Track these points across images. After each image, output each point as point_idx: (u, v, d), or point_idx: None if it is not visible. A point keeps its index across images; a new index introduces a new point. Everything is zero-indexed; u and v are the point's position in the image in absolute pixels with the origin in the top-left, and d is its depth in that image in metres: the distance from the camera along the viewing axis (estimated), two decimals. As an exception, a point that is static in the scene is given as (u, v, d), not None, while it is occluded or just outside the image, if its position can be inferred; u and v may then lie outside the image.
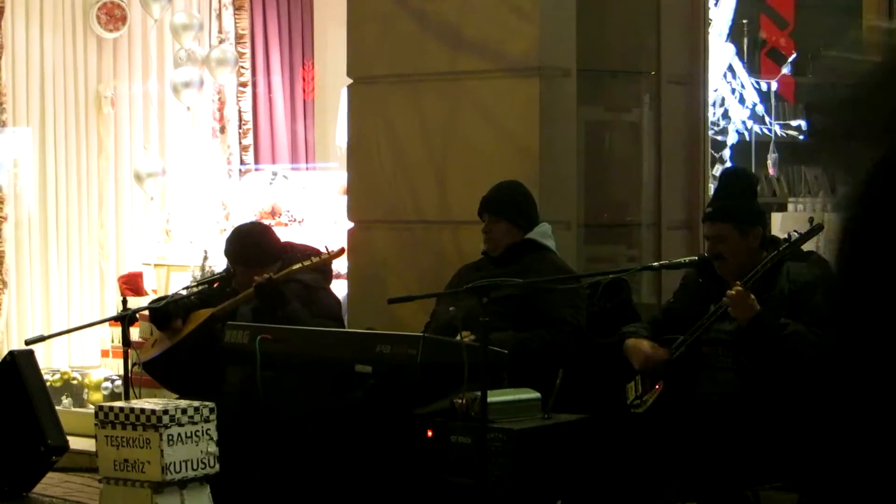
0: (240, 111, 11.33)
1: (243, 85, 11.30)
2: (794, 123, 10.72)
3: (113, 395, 9.16)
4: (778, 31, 11.17)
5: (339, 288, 8.22)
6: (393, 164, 7.92)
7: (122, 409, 6.16)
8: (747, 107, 10.18)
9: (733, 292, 5.78)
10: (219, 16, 11.19)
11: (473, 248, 7.16)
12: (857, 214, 1.66)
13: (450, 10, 7.70)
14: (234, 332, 6.72)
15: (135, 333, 8.48)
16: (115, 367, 9.36)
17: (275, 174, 10.40)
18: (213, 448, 6.19)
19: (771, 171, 10.49)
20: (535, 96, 7.40)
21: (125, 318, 7.11)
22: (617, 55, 7.81)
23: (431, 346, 6.12)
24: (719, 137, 9.85)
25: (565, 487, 6.12)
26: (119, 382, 8.85)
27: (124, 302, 7.45)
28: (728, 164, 9.67)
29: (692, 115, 7.90)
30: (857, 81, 1.75)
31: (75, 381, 9.56)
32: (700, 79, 7.90)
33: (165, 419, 6.05)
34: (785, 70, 10.68)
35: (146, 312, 7.54)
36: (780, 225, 9.22)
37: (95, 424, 6.24)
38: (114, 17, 10.81)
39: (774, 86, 10.48)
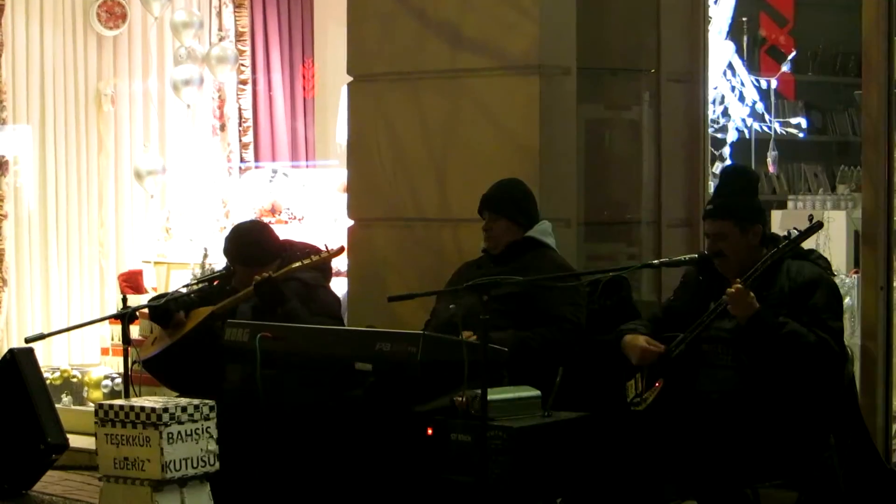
0: (240, 109, 11.33)
1: (243, 83, 11.30)
2: (793, 121, 10.73)
3: (113, 393, 9.16)
4: (777, 29, 11.18)
5: (340, 286, 8.22)
6: (393, 162, 7.92)
7: (122, 407, 6.16)
8: (747, 104, 10.18)
9: (733, 290, 5.78)
10: (219, 13, 11.19)
11: (473, 246, 7.16)
12: None
13: (450, 8, 7.70)
14: (234, 330, 6.72)
15: (135, 331, 8.50)
16: (115, 365, 9.37)
17: (275, 172, 10.40)
18: (213, 446, 6.19)
19: (771, 168, 10.50)
20: (535, 94, 7.40)
21: (125, 316, 7.11)
22: (617, 53, 7.81)
23: (431, 344, 6.11)
24: (719, 135, 9.85)
25: (565, 485, 6.12)
26: (119, 380, 8.86)
27: (124, 300, 7.44)
28: (728, 162, 9.67)
29: (692, 113, 7.89)
30: None
31: (75, 379, 9.56)
32: (700, 77, 7.90)
33: (165, 417, 6.04)
34: (784, 68, 10.68)
35: (146, 310, 7.53)
36: (779, 223, 9.22)
37: (95, 422, 6.23)
38: (114, 14, 10.81)
39: (774, 83, 10.49)
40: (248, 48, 11.30)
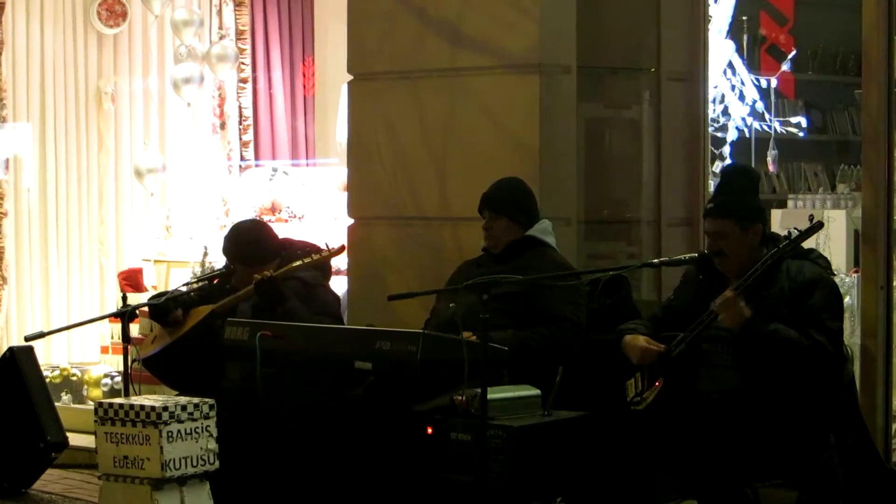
0: (240, 107, 11.33)
1: (243, 81, 11.30)
2: (793, 120, 10.73)
3: (112, 392, 9.16)
4: (777, 28, 11.18)
5: (339, 284, 8.22)
6: (393, 161, 7.92)
7: (121, 405, 6.16)
8: (747, 103, 10.18)
9: (722, 299, 5.78)
10: (219, 12, 11.18)
11: (473, 245, 7.16)
12: None
13: (450, 7, 7.70)
14: (233, 329, 6.72)
15: (134, 330, 8.49)
16: (115, 363, 9.37)
17: (275, 170, 10.40)
18: (212, 445, 6.19)
19: (771, 167, 10.49)
20: (535, 93, 7.40)
21: (125, 315, 7.11)
22: (617, 52, 7.81)
23: (431, 343, 6.11)
24: (719, 134, 9.85)
25: (565, 484, 6.12)
26: (119, 379, 8.86)
27: (124, 298, 7.44)
28: (728, 161, 9.66)
29: (692, 112, 7.89)
30: None
31: (75, 378, 9.56)
32: (700, 76, 7.90)
33: (165, 416, 6.04)
34: (784, 67, 10.68)
35: (146, 309, 7.53)
36: (779, 222, 9.22)
37: (95, 421, 6.23)
38: (114, 12, 10.81)
39: (774, 82, 10.48)
40: (248, 46, 11.30)
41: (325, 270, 7.42)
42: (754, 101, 10.24)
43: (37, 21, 10.53)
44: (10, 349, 7.95)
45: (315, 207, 9.99)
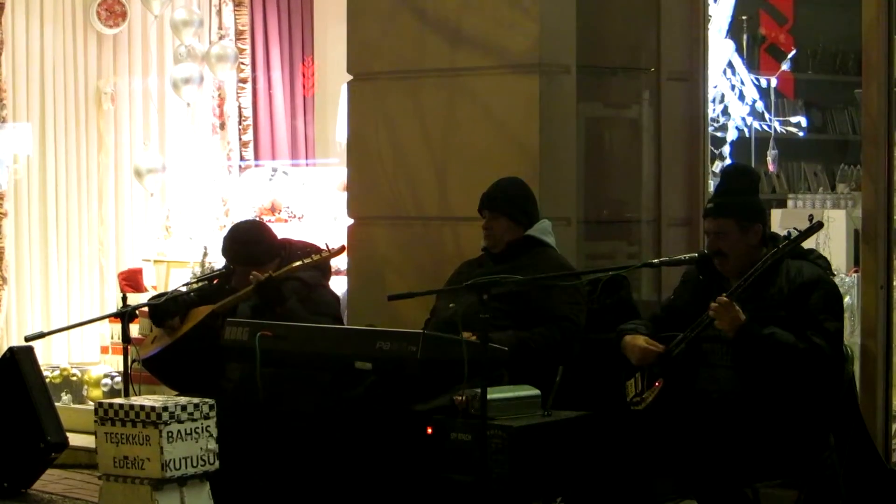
0: (240, 107, 11.32)
1: (243, 81, 11.29)
2: (793, 120, 10.72)
3: (112, 392, 9.15)
4: (777, 28, 11.17)
5: (339, 284, 8.22)
6: (393, 161, 7.92)
7: (121, 405, 6.16)
8: (747, 103, 10.17)
9: (716, 304, 5.78)
10: (219, 12, 11.18)
11: (473, 245, 7.16)
12: None
13: (450, 7, 7.70)
14: (233, 329, 6.72)
15: (134, 330, 8.49)
16: (115, 363, 9.37)
17: (275, 170, 10.40)
18: (212, 445, 6.19)
19: (770, 167, 10.48)
20: (534, 93, 7.40)
21: (125, 315, 7.11)
22: (617, 52, 7.81)
23: (431, 343, 6.11)
24: (719, 134, 9.83)
25: (565, 484, 6.12)
26: (119, 379, 8.85)
27: (124, 298, 7.44)
28: (728, 161, 9.65)
29: (692, 112, 7.89)
30: None
31: (75, 378, 9.56)
32: (700, 75, 7.90)
33: (165, 416, 6.05)
34: (784, 66, 10.67)
35: (146, 309, 7.53)
36: (779, 222, 9.21)
37: (95, 421, 6.24)
38: (114, 13, 10.80)
39: (774, 82, 10.47)
40: (248, 46, 11.29)
41: (324, 271, 7.42)
42: (754, 101, 10.23)
43: (36, 21, 10.52)
44: (11, 349, 7.95)
45: (315, 207, 9.99)
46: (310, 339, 6.52)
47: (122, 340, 7.12)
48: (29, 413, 7.66)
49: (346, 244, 7.73)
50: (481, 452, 5.79)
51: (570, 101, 7.53)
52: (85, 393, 9.46)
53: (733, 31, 9.96)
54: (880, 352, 6.88)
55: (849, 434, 5.95)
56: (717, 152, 9.58)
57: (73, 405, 9.31)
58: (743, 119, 10.15)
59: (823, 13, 11.31)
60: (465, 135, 7.64)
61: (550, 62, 7.44)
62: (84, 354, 10.47)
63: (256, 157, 11.28)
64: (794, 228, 5.97)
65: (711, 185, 7.90)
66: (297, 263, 7.17)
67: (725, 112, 10.01)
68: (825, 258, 6.13)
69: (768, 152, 10.38)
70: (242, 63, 11.20)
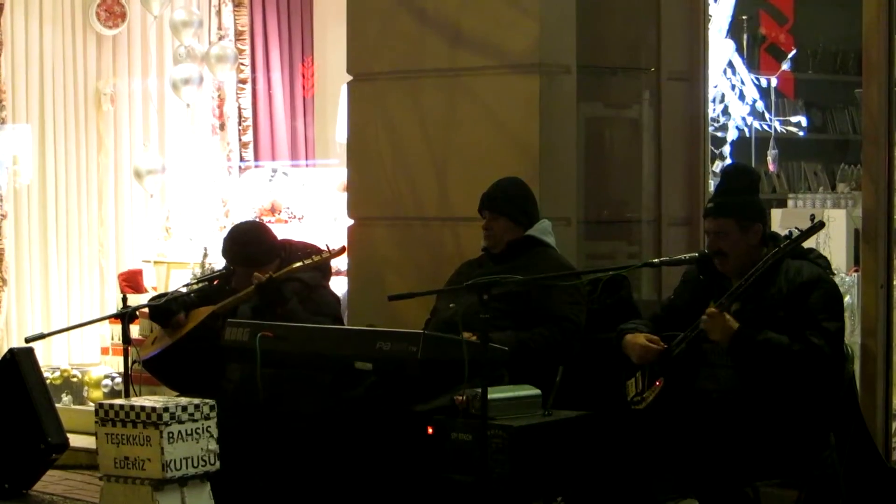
0: (239, 108, 11.32)
1: (243, 82, 11.29)
2: (793, 120, 10.72)
3: (113, 393, 9.16)
4: (777, 28, 11.16)
5: (339, 285, 8.22)
6: (393, 161, 7.91)
7: (122, 406, 6.16)
8: (747, 103, 10.17)
9: (707, 316, 5.78)
10: (218, 12, 11.18)
11: (473, 245, 7.16)
12: None
13: (450, 7, 7.70)
14: (234, 330, 6.72)
15: (135, 331, 8.50)
16: (115, 364, 9.37)
17: (274, 171, 10.40)
18: (213, 445, 6.19)
19: (771, 167, 10.48)
20: (534, 93, 7.40)
21: (125, 316, 7.11)
22: (617, 52, 7.81)
23: (432, 343, 6.11)
24: (719, 134, 9.84)
25: (566, 484, 6.12)
26: (119, 380, 8.86)
27: (124, 299, 7.44)
28: (728, 161, 9.66)
29: (692, 112, 7.89)
30: None
31: (75, 379, 9.56)
32: (700, 75, 7.90)
33: (166, 416, 6.04)
34: (784, 66, 10.67)
35: (146, 310, 7.54)
36: (779, 221, 9.21)
37: (96, 422, 6.23)
38: (113, 13, 10.80)
39: (774, 82, 10.47)
40: (247, 47, 11.29)
41: (325, 271, 7.42)
42: (754, 101, 10.23)
43: (36, 22, 10.52)
44: (11, 350, 7.95)
45: (315, 208, 9.99)
46: (310, 339, 6.53)
47: (123, 341, 7.12)
48: (29, 414, 7.66)
49: (346, 245, 7.73)
50: (482, 452, 5.79)
51: (571, 100, 7.53)
52: (85, 394, 9.47)
53: (733, 31, 9.97)
54: (880, 351, 6.88)
55: (849, 433, 5.94)
56: (717, 152, 9.58)
57: (73, 406, 9.31)
58: (743, 119, 10.15)
59: (824, 13, 11.31)
60: (465, 135, 7.64)
61: (550, 62, 7.44)
62: (84, 355, 10.47)
63: (256, 158, 11.28)
64: (796, 228, 5.97)
65: (712, 184, 7.90)
66: (298, 264, 7.18)
67: (726, 112, 10.01)
68: (825, 258, 6.12)
69: (768, 152, 10.38)
70: (242, 64, 11.20)
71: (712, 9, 9.11)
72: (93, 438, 6.39)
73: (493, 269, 6.66)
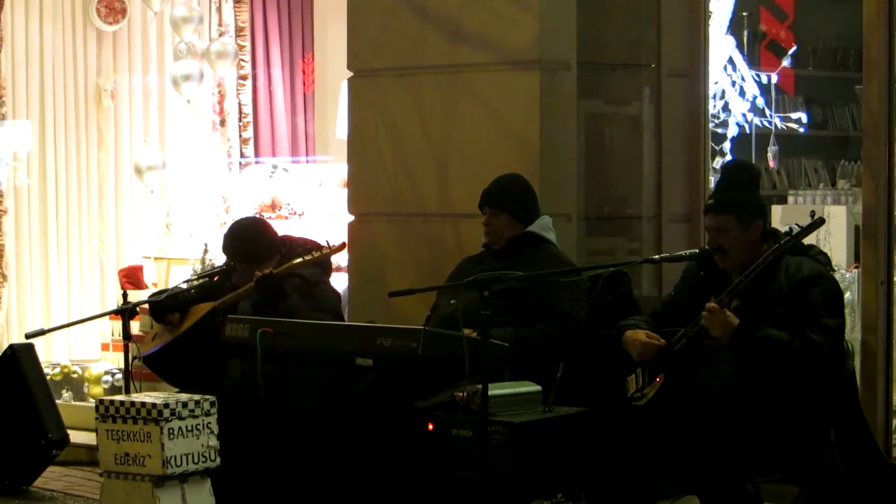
0: (240, 104, 11.32)
1: (243, 78, 11.29)
2: (794, 116, 10.72)
3: (113, 389, 9.16)
4: (778, 24, 11.16)
5: (340, 281, 8.22)
6: (393, 157, 7.92)
7: (122, 402, 6.16)
8: (747, 99, 10.16)
9: (707, 312, 5.78)
10: (219, 8, 11.17)
11: (474, 241, 7.16)
12: None
13: (450, 3, 7.70)
14: (234, 326, 6.72)
15: (135, 327, 8.48)
16: (116, 360, 9.37)
17: (275, 167, 10.40)
18: (213, 442, 6.19)
19: (771, 163, 10.48)
20: (535, 89, 7.40)
21: (125, 312, 7.10)
22: (617, 48, 7.81)
23: (432, 339, 6.12)
24: (719, 130, 9.83)
25: (566, 480, 6.12)
26: (119, 376, 8.86)
27: (124, 295, 7.45)
28: (728, 157, 9.65)
29: (692, 108, 7.89)
30: None
31: (75, 375, 9.56)
32: (700, 72, 7.90)
33: (166, 413, 6.05)
34: (785, 63, 10.66)
35: (146, 306, 7.53)
36: (780, 218, 9.21)
37: (96, 418, 6.24)
38: (113, 9, 10.80)
39: (775, 78, 10.47)
40: (248, 43, 11.28)
41: (325, 267, 7.42)
42: (755, 97, 10.23)
43: (36, 18, 10.52)
44: (11, 346, 7.95)
45: (315, 204, 10.00)
46: (311, 335, 6.53)
47: (123, 337, 7.12)
48: (30, 410, 7.67)
49: (346, 241, 7.73)
50: (482, 448, 5.79)
51: (571, 97, 7.53)
52: (86, 390, 9.47)
53: (734, 28, 9.96)
54: (881, 347, 6.88)
55: (849, 429, 5.94)
56: (717, 148, 9.58)
57: (73, 402, 9.31)
58: (743, 115, 10.15)
59: (824, 9, 11.31)
60: (465, 131, 7.64)
61: (551, 59, 7.44)
62: (85, 351, 10.47)
63: (257, 154, 11.28)
64: (796, 224, 5.97)
65: (712, 181, 7.91)
66: (298, 260, 7.17)
67: (726, 108, 10.01)
68: (825, 254, 6.12)
69: (769, 148, 10.38)
70: (242, 60, 11.19)
71: (713, 5, 9.11)
72: (93, 435, 6.39)
73: (494, 266, 6.66)
